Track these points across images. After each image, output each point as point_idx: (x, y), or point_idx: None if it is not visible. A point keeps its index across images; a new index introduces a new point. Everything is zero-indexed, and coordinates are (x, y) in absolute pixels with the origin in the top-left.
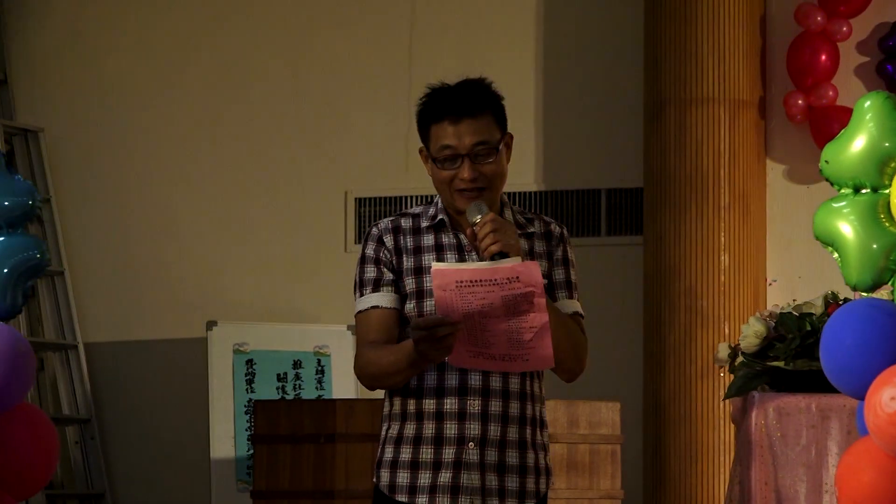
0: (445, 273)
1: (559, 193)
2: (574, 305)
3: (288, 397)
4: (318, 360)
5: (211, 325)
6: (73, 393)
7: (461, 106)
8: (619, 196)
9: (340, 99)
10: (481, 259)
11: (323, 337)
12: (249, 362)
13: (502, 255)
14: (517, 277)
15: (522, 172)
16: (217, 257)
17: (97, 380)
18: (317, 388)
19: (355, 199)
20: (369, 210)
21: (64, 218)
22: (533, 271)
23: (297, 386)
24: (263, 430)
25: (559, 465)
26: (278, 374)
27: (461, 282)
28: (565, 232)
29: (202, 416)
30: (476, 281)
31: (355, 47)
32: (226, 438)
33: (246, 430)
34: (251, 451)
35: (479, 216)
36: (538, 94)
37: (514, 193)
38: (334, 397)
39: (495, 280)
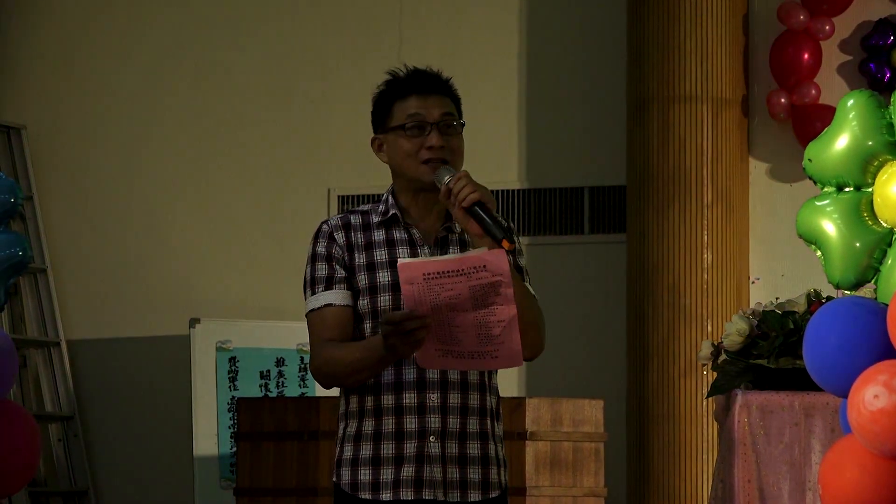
0: (412, 266)
1: (542, 191)
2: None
3: (271, 395)
4: (302, 358)
5: (194, 322)
6: (56, 390)
7: (429, 83)
8: (602, 194)
9: (323, 96)
10: (430, 242)
11: (306, 335)
12: (232, 360)
13: (481, 204)
14: (484, 266)
15: (505, 170)
16: (200, 254)
17: (80, 377)
18: (300, 385)
19: (338, 196)
20: (351, 207)
21: (46, 215)
22: (501, 260)
23: (280, 383)
24: (247, 428)
25: (543, 462)
26: (261, 372)
27: (428, 274)
28: (510, 224)
29: (185, 414)
30: (443, 272)
31: (339, 44)
32: (209, 436)
33: (229, 428)
34: (234, 449)
35: (450, 174)
36: (521, 92)
37: (497, 191)
38: (317, 395)
39: (462, 270)
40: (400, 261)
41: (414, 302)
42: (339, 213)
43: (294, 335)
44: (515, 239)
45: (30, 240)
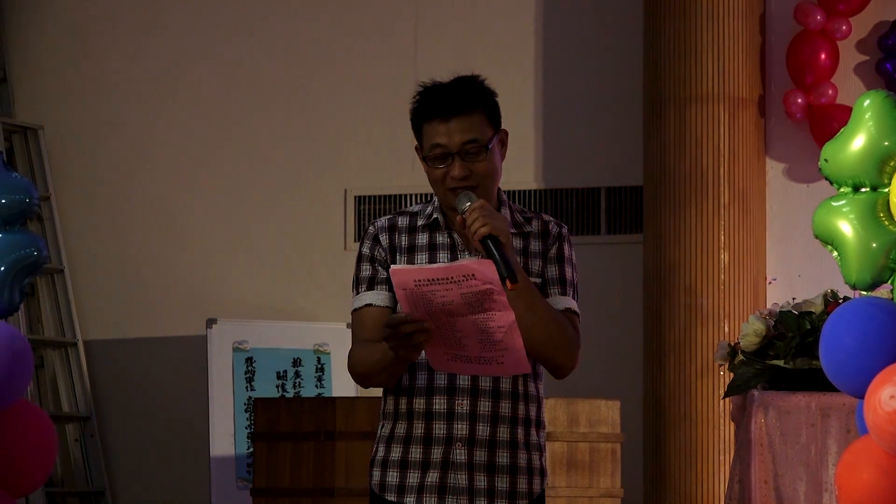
0: (403, 273)
1: (559, 192)
2: (566, 302)
3: (288, 395)
4: (318, 358)
5: (211, 322)
6: (73, 390)
7: (451, 104)
8: (618, 194)
9: (340, 97)
10: (471, 249)
11: (323, 335)
12: (249, 360)
13: (492, 238)
14: (472, 275)
15: (522, 171)
16: (217, 255)
17: (97, 377)
18: (317, 386)
19: (355, 197)
20: (369, 208)
21: (64, 215)
22: (487, 269)
23: (296, 384)
24: (263, 428)
25: (559, 463)
26: (278, 372)
27: (419, 281)
28: (564, 230)
29: (202, 414)
30: (433, 280)
31: (356, 45)
32: (226, 436)
33: (246, 428)
34: (251, 449)
35: (468, 203)
36: (538, 92)
37: (514, 192)
38: (334, 395)
39: (451, 278)
40: (392, 267)
41: (410, 306)
42: (388, 215)
43: (311, 336)
44: (572, 267)
45: (47, 240)
